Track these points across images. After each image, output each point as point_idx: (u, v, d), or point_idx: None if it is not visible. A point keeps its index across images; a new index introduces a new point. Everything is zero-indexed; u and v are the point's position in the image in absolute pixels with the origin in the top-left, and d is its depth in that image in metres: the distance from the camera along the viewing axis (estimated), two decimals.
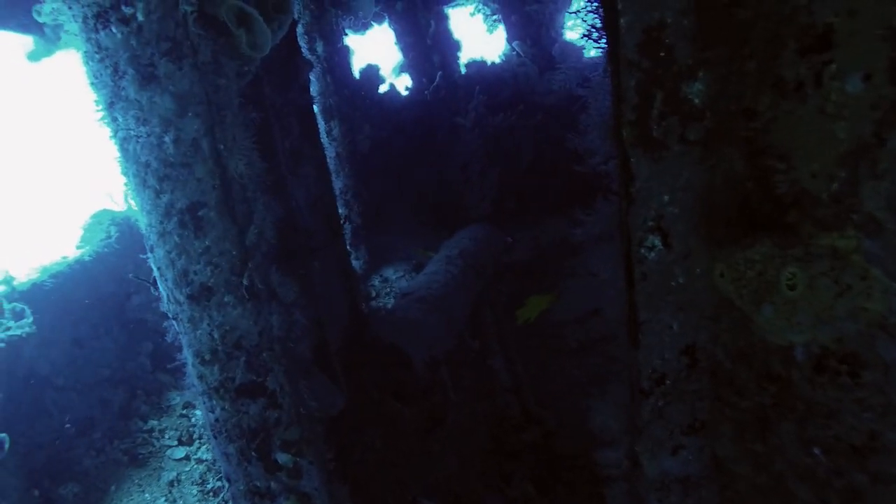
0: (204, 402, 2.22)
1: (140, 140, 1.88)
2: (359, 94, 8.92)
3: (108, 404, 5.28)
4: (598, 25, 2.05)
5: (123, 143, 1.95)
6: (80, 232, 5.42)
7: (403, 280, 8.15)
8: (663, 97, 1.91)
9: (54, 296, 4.79)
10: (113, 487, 4.64)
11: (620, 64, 1.90)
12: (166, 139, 1.85)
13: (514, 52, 10.33)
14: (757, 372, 1.89)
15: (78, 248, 5.26)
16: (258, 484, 2.24)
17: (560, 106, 10.47)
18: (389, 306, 6.94)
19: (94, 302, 5.22)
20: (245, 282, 2.00)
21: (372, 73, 9.52)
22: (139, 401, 5.46)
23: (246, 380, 2.10)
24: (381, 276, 8.13)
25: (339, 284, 5.67)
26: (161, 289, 2.15)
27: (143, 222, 2.06)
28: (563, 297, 7.88)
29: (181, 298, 2.06)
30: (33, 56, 5.39)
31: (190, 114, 1.85)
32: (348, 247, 7.81)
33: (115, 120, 1.93)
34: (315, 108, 6.76)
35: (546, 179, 11.28)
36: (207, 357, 2.11)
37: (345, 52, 8.53)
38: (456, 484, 4.21)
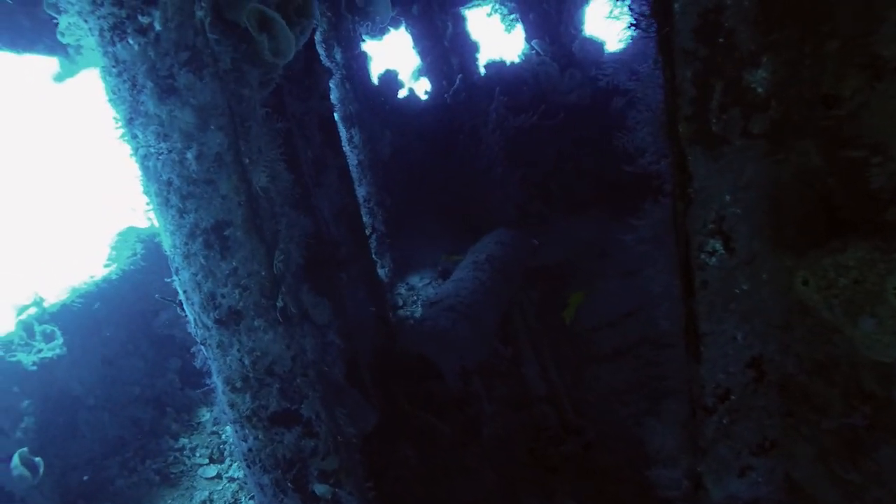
0: (236, 431, 2.10)
1: (161, 157, 1.78)
2: (378, 100, 8.83)
3: (138, 423, 5.24)
4: (647, 12, 1.88)
5: (144, 161, 1.85)
6: (108, 250, 5.40)
7: (430, 287, 8.02)
8: (723, 87, 1.74)
9: (83, 316, 4.76)
10: None
11: (674, 53, 1.73)
12: (188, 155, 1.74)
13: (534, 51, 10.15)
14: (843, 389, 1.70)
15: (105, 266, 5.23)
16: None
17: (583, 104, 10.27)
18: (417, 315, 6.81)
19: (122, 320, 5.19)
20: (279, 303, 1.88)
21: (390, 79, 9.44)
22: (169, 418, 5.41)
23: (280, 408, 1.98)
24: (406, 284, 8.02)
25: (367, 296, 5.56)
26: (188, 312, 2.05)
27: (166, 243, 1.96)
28: (594, 300, 7.67)
29: (209, 323, 1.95)
30: (58, 77, 5.39)
31: (212, 127, 1.73)
32: (373, 256, 7.71)
33: (134, 137, 1.83)
34: (335, 116, 6.68)
35: (570, 180, 11.07)
36: (238, 385, 2.00)
37: (363, 59, 8.45)
38: (494, 500, 4.05)
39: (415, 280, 8.12)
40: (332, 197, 5.13)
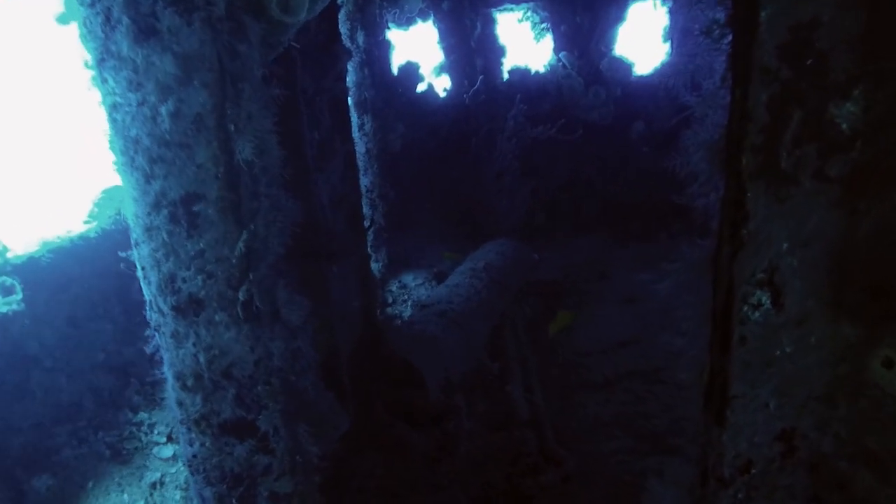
0: (182, 433, 1.84)
1: (130, 109, 1.51)
2: (395, 90, 8.57)
3: (98, 391, 4.95)
4: (721, 20, 1.61)
5: (112, 111, 1.58)
6: (91, 207, 5.11)
7: (423, 288, 7.76)
8: (802, 118, 1.47)
9: (52, 272, 4.46)
10: (91, 483, 4.29)
11: (751, 71, 1.47)
12: (163, 111, 1.47)
13: (560, 63, 9.91)
14: None
15: (85, 223, 4.95)
16: None
17: (603, 123, 10.03)
18: (406, 317, 6.54)
19: (95, 281, 4.89)
20: (242, 297, 1.61)
21: (411, 71, 9.17)
22: (132, 390, 5.12)
23: (234, 416, 1.72)
24: (399, 282, 7.75)
25: (357, 290, 5.29)
26: (144, 292, 1.78)
27: (128, 210, 1.69)
28: (589, 324, 7.42)
29: (165, 309, 1.69)
30: (62, 19, 5.10)
31: (196, 82, 1.46)
32: (369, 249, 7.44)
33: (104, 81, 1.56)
34: (349, 100, 6.41)
35: (580, 198, 10.83)
36: (190, 383, 1.73)
37: (385, 46, 8.20)
38: None
39: (408, 279, 7.85)
40: (334, 183, 4.86)
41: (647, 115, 10.27)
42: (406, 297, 7.38)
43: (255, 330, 1.71)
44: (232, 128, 1.55)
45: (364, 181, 7.16)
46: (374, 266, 7.63)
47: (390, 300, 7.22)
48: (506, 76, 9.86)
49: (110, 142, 1.66)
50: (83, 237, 4.64)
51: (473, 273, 6.58)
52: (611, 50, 10.09)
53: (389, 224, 7.79)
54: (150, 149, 1.54)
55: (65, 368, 4.77)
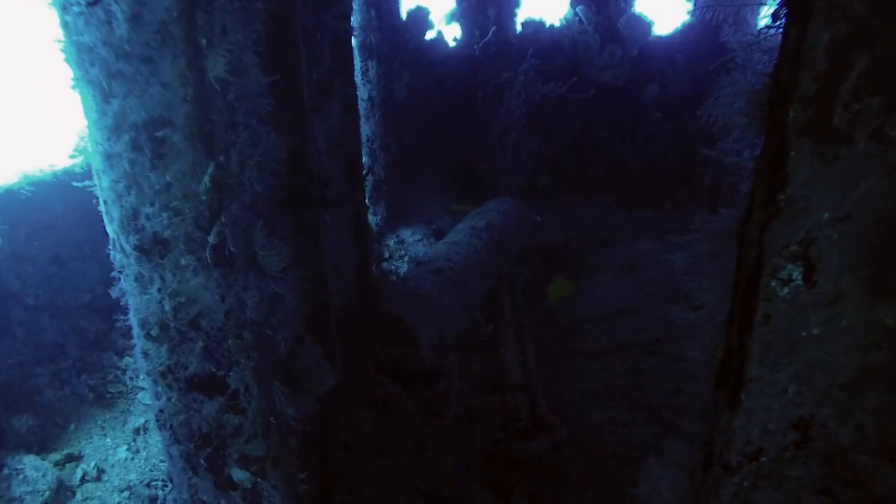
0: (149, 385, 1.70)
1: (82, 9, 1.29)
2: (403, 36, 8.18)
3: (82, 333, 4.82)
4: None
5: (63, 12, 1.35)
6: (77, 140, 4.87)
7: (420, 245, 7.58)
8: (868, 65, 1.26)
9: (33, 207, 4.27)
10: (73, 426, 4.21)
11: (814, 5, 1.24)
12: (118, 13, 1.25)
13: (577, 18, 9.47)
14: None
15: (70, 157, 4.72)
16: (204, 499, 1.73)
17: (616, 84, 9.66)
18: (402, 272, 6.39)
19: (81, 219, 4.70)
20: (212, 240, 1.43)
21: (420, 17, 8.75)
22: (117, 333, 4.99)
23: (202, 370, 1.57)
24: (397, 236, 7.57)
25: (352, 242, 5.12)
26: (108, 229, 1.60)
27: (89, 134, 1.49)
28: (589, 292, 7.29)
29: (128, 248, 1.52)
30: None
31: None
32: (367, 201, 7.23)
33: None
34: (353, 42, 6.08)
35: (586, 160, 10.56)
36: (154, 332, 1.57)
37: None
38: (448, 488, 3.72)
39: (406, 234, 7.67)
40: (332, 127, 4.62)
41: (662, 79, 9.89)
42: (403, 252, 7.22)
43: (227, 276, 1.54)
44: (203, 41, 1.33)
45: (365, 130, 6.90)
46: (371, 219, 7.44)
47: (387, 255, 7.06)
48: (519, 28, 9.43)
49: (63, 50, 1.43)
50: (67, 171, 4.43)
51: (473, 231, 6.40)
52: (630, 7, 9.63)
53: (389, 176, 7.56)
54: (107, 61, 1.33)
55: (48, 308, 4.62)
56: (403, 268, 6.69)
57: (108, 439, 4.18)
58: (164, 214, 1.45)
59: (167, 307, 1.54)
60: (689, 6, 9.59)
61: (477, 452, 4.10)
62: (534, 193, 9.56)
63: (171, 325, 1.56)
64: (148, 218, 1.46)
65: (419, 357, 4.72)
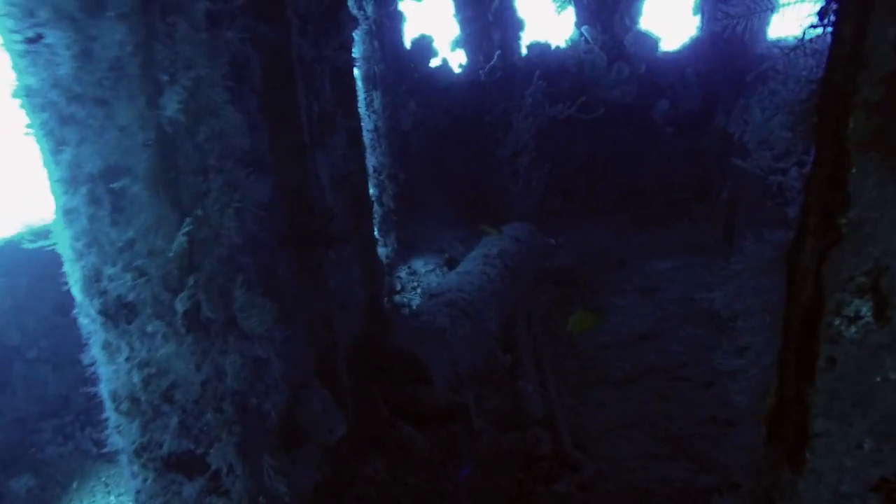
0: (124, 462, 1.51)
1: (23, 47, 1.14)
2: (407, 65, 8.13)
3: (88, 382, 4.65)
4: None
5: (10, 51, 1.20)
6: None
7: (433, 275, 7.39)
8: None
9: (37, 257, 4.15)
10: (75, 484, 4.02)
11: None
12: (65, 52, 1.09)
13: (582, 38, 9.39)
14: None
15: None
16: None
17: (625, 102, 9.52)
18: (414, 304, 6.19)
19: None
20: (181, 305, 1.25)
21: (424, 45, 8.72)
22: None
23: (178, 448, 1.38)
24: (409, 267, 7.40)
25: (361, 276, 4.94)
26: (72, 291, 1.44)
27: (50, 187, 1.33)
28: (608, 316, 7.02)
29: (91, 312, 1.35)
30: None
31: (111, 11, 1.08)
32: (376, 233, 7.09)
33: None
34: (355, 73, 6.00)
35: (598, 181, 10.37)
36: (125, 407, 1.39)
37: (397, 17, 7.74)
38: None
39: (418, 264, 7.49)
40: (336, 161, 4.48)
41: (672, 94, 9.74)
42: (416, 283, 7.03)
43: (202, 342, 1.35)
44: (164, 78, 1.17)
45: (371, 161, 6.79)
46: (381, 251, 7.29)
47: (399, 287, 6.88)
48: (524, 52, 9.36)
49: (14, 94, 1.28)
50: None
51: (486, 260, 6.20)
52: (636, 24, 9.54)
53: (399, 207, 7.42)
54: (56, 105, 1.17)
55: (51, 359, 4.48)
56: (416, 300, 6.50)
57: (112, 497, 3.98)
58: (128, 275, 1.27)
59: (136, 379, 1.36)
60: (698, 20, 9.47)
61: (499, 497, 3.83)
62: (546, 217, 9.38)
63: (143, 398, 1.38)
64: (111, 279, 1.29)
65: (434, 395, 4.49)
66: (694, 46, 9.65)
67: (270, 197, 1.51)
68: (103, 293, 1.34)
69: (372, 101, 6.81)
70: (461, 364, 4.83)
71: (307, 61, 3.84)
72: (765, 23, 9.45)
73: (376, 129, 6.91)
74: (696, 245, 8.69)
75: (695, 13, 9.67)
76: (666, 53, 9.74)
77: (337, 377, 3.81)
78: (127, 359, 1.37)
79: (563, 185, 9.93)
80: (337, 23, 4.58)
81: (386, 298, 6.17)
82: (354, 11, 6.41)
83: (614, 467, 4.38)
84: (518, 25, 9.17)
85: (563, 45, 9.60)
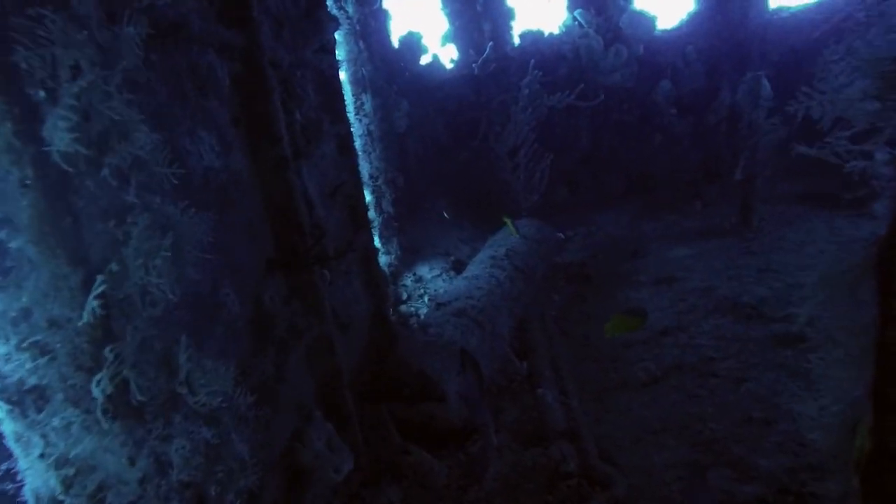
0: None
1: None
2: (397, 64, 7.83)
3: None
4: None
5: None
6: None
7: (440, 279, 7.10)
8: None
9: None
10: None
11: None
12: None
13: (576, 23, 9.05)
14: None
15: None
16: None
17: (626, 85, 9.18)
18: (422, 313, 5.90)
19: None
20: (100, 390, 0.97)
21: (413, 42, 8.41)
22: None
23: None
24: (414, 274, 7.10)
25: (363, 290, 4.65)
26: None
27: None
28: (624, 310, 6.70)
29: None
30: None
31: None
32: (377, 241, 6.81)
33: None
34: (341, 77, 5.71)
35: (603, 168, 10.04)
36: None
37: (382, 16, 7.44)
38: None
39: (423, 270, 7.20)
40: (326, 171, 4.20)
41: (674, 74, 9.39)
42: (422, 290, 6.74)
43: (135, 430, 1.07)
44: (40, 94, 0.89)
45: (366, 167, 6.50)
46: (385, 259, 7.00)
47: (405, 296, 6.59)
48: (517, 41, 9.04)
49: None
50: None
51: (494, 262, 5.91)
52: (630, 4, 9.19)
53: (399, 212, 7.13)
54: None
55: None
56: (424, 309, 6.21)
57: None
58: (26, 354, 1.00)
59: (54, 481, 1.08)
60: None
61: None
62: (553, 210, 9.06)
63: (66, 502, 1.10)
64: (7, 360, 1.02)
65: (448, 413, 4.20)
66: (692, 22, 9.30)
67: (247, 220, 1.22)
68: (3, 377, 1.06)
69: (362, 104, 6.52)
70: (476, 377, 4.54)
71: (284, 66, 3.55)
72: None
73: (369, 133, 6.62)
74: (712, 229, 8.35)
75: None
76: (664, 32, 9.39)
77: (342, 405, 3.53)
78: (42, 455, 1.09)
79: (567, 176, 9.62)
80: (316, 24, 4.29)
81: (392, 309, 5.89)
82: (335, 11, 6.12)
83: (647, 480, 4.07)
84: (508, 15, 8.86)
85: (556, 31, 9.26)
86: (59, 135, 0.89)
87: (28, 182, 0.92)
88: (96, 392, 1.00)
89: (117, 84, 0.96)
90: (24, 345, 1.00)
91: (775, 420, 4.18)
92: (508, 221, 6.13)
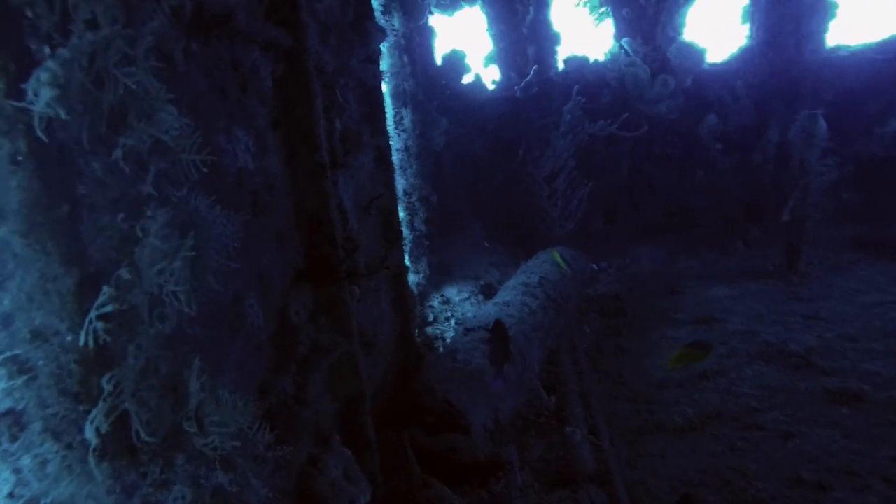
0: None
1: None
2: (439, 81, 7.74)
3: None
4: None
5: None
6: None
7: (468, 303, 6.88)
8: None
9: None
10: None
11: None
12: None
13: (623, 51, 8.88)
14: None
15: None
16: None
17: (671, 117, 8.93)
18: (448, 338, 5.69)
19: None
20: (92, 429, 0.78)
21: (456, 61, 8.33)
22: None
23: None
24: (442, 295, 6.90)
25: (390, 310, 4.47)
26: None
27: None
28: (661, 350, 6.39)
29: None
30: None
31: None
32: (407, 260, 6.64)
33: None
34: (384, 90, 5.61)
35: (642, 200, 9.76)
36: None
37: (427, 32, 7.38)
38: None
39: (452, 292, 6.99)
40: (362, 183, 4.05)
41: (721, 108, 9.12)
42: (449, 313, 6.53)
43: (125, 473, 0.88)
44: (45, 49, 0.72)
45: (401, 182, 6.37)
46: (412, 278, 6.82)
47: (431, 318, 6.38)
48: (561, 66, 8.89)
49: None
50: None
51: (526, 289, 5.68)
52: (679, 35, 8.99)
53: (430, 230, 6.96)
54: None
55: None
56: (450, 332, 5.99)
57: None
58: (2, 370, 0.82)
59: None
60: (747, 29, 8.87)
61: None
62: (588, 240, 8.80)
63: None
64: None
65: (472, 447, 3.95)
66: (743, 57, 9.04)
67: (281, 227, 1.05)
68: None
69: (402, 118, 6.41)
70: (501, 410, 4.29)
71: (328, 73, 3.44)
72: (822, 28, 8.79)
73: (406, 148, 6.50)
74: (754, 270, 7.98)
75: (743, 21, 9.09)
76: (713, 65, 9.15)
77: (362, 431, 3.32)
78: (10, 495, 0.90)
79: (605, 205, 9.36)
80: (363, 33, 4.20)
81: (417, 331, 5.68)
82: (382, 23, 6.06)
83: None
84: (554, 39, 8.75)
85: (602, 58, 9.10)
86: (42, 90, 0.71)
87: (20, 158, 0.75)
88: (89, 432, 0.80)
89: (144, 50, 0.80)
90: (0, 358, 0.83)
91: (830, 486, 3.82)
92: (557, 255, 5.89)
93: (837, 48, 8.46)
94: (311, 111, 2.82)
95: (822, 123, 6.68)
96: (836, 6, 8.16)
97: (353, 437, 3.23)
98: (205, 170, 0.96)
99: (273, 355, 2.46)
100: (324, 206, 2.95)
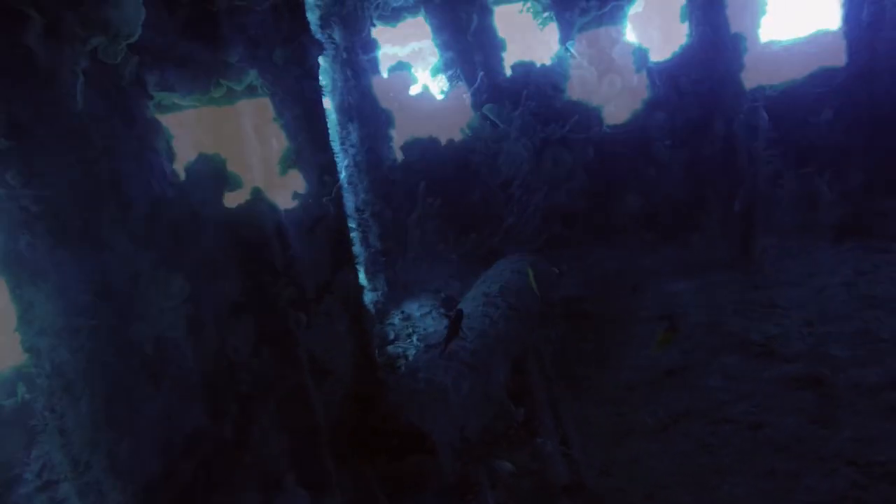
0: None
1: None
2: (385, 94, 7.60)
3: None
4: None
5: None
6: None
7: (429, 318, 6.73)
8: None
9: None
10: None
11: None
12: None
13: (568, 54, 8.93)
14: None
15: None
16: None
17: (620, 117, 9.02)
18: (410, 356, 5.51)
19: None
20: None
21: (402, 72, 8.22)
22: None
23: None
24: (402, 312, 6.73)
25: (347, 333, 4.28)
26: None
27: None
28: (627, 349, 6.36)
29: None
30: None
31: None
32: (362, 278, 6.46)
33: None
34: (326, 104, 5.44)
35: (599, 201, 9.80)
36: None
37: (370, 45, 7.25)
38: None
39: (412, 308, 6.83)
40: (305, 204, 3.88)
41: (667, 105, 9.25)
42: (411, 329, 6.36)
43: None
44: None
45: (352, 199, 6.19)
46: (371, 295, 6.64)
47: (392, 336, 6.20)
48: (508, 72, 8.89)
49: None
50: None
51: (487, 300, 5.56)
52: (622, 36, 9.12)
53: (387, 247, 6.79)
54: None
55: None
56: (412, 350, 5.82)
57: None
58: None
59: None
60: (686, 27, 9.04)
61: None
62: (548, 244, 8.76)
63: None
64: None
65: (440, 468, 3.79)
66: (685, 54, 9.20)
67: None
68: None
69: (348, 134, 6.25)
70: (469, 427, 4.14)
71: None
72: (755, 25, 9.05)
73: (356, 164, 6.34)
74: (712, 262, 8.07)
75: (682, 20, 9.27)
76: (657, 64, 9.28)
77: (320, 465, 3.12)
78: None
79: (563, 209, 9.35)
80: (299, 48, 4.04)
81: (378, 351, 5.49)
82: (320, 37, 5.90)
83: None
84: (499, 46, 8.75)
85: (548, 62, 9.13)
86: None
87: None
88: None
89: None
90: None
91: (800, 473, 3.80)
92: (531, 274, 5.82)
93: (771, 43, 8.70)
94: (239, 131, 2.66)
95: (764, 115, 6.81)
96: (765, 2, 8.41)
97: (309, 475, 3.03)
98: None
99: (209, 397, 2.26)
100: (259, 233, 2.77)
